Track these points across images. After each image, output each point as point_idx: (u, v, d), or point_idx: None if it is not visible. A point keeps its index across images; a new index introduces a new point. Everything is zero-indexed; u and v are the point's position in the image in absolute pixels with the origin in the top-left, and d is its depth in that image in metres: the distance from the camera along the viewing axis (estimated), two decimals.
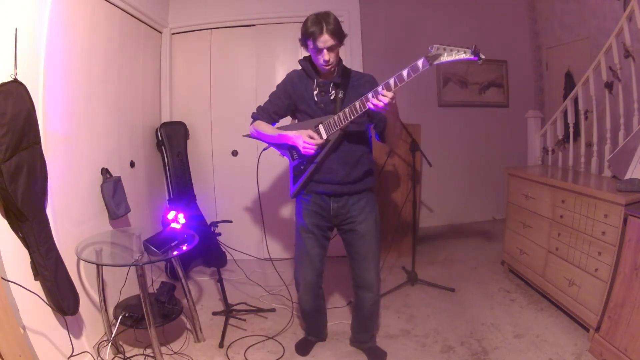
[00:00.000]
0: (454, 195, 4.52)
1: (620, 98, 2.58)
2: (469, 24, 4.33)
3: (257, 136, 2.02)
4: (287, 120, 2.09)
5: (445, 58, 1.53)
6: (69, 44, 2.10)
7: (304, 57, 1.96)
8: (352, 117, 1.75)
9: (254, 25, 3.47)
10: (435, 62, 1.55)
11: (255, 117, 2.03)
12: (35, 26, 1.82)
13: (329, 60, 1.78)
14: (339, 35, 1.77)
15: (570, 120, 2.96)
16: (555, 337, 2.24)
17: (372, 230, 1.97)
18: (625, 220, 1.95)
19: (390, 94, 1.62)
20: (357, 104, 1.71)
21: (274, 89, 2.02)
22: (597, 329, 2.08)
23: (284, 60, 3.48)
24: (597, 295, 2.11)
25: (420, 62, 1.56)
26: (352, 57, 3.42)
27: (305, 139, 1.80)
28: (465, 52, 1.51)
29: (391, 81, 1.62)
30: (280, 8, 3.42)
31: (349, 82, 1.90)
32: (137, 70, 2.99)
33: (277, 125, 2.03)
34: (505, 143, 4.45)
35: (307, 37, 1.77)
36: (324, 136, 1.84)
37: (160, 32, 3.40)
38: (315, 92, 1.89)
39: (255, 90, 3.44)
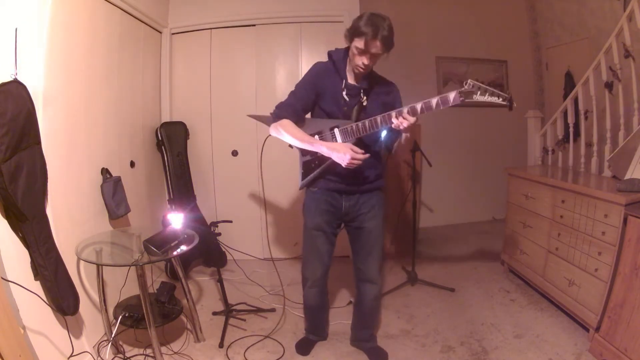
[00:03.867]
0: (454, 195, 4.52)
1: (620, 98, 2.58)
2: (469, 24, 4.33)
3: (278, 135, 1.87)
4: None
5: (478, 97, 1.49)
6: (69, 44, 2.10)
7: (337, 49, 1.88)
8: (372, 131, 1.73)
9: (254, 25, 3.47)
10: (467, 100, 1.51)
11: (279, 114, 1.85)
12: (35, 26, 1.82)
13: (368, 65, 1.74)
14: (388, 46, 1.71)
15: (570, 120, 2.96)
16: (555, 337, 2.24)
17: (379, 228, 1.99)
18: (625, 220, 1.95)
19: (413, 119, 1.62)
20: (378, 119, 1.70)
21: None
22: (597, 329, 2.09)
23: (284, 60, 3.47)
24: (597, 295, 2.11)
25: (451, 96, 1.53)
26: None
27: (353, 157, 1.70)
28: (499, 98, 1.47)
29: (418, 107, 1.61)
30: (280, 8, 3.42)
31: (373, 89, 1.86)
32: (137, 70, 2.98)
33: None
34: (505, 143, 4.45)
35: (358, 35, 1.67)
36: (339, 141, 1.81)
37: (160, 32, 3.39)
38: (344, 93, 1.83)
39: (255, 90, 3.44)
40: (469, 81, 1.50)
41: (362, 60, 1.72)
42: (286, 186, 3.37)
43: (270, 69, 3.48)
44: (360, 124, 1.74)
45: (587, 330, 2.20)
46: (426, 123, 3.69)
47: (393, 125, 1.67)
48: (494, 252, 3.49)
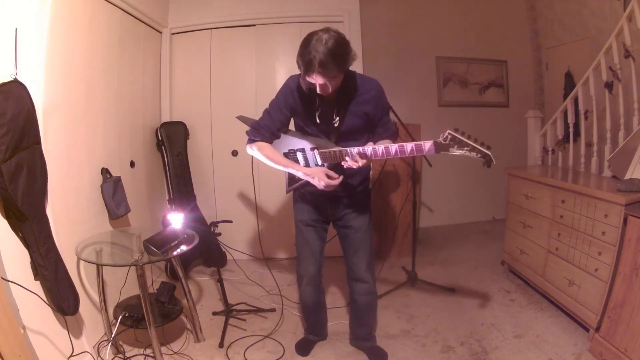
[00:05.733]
0: (454, 195, 4.52)
1: (620, 98, 2.58)
2: (469, 24, 4.33)
3: (254, 155, 1.86)
4: None
5: (455, 152, 1.37)
6: (69, 44, 2.10)
7: None
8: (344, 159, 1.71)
9: (254, 25, 3.47)
10: (442, 152, 1.40)
11: (253, 136, 1.83)
12: (35, 26, 1.82)
13: (325, 92, 1.65)
14: (332, 69, 1.54)
15: (570, 120, 2.96)
16: (555, 337, 2.24)
17: (364, 226, 2.00)
18: (625, 220, 1.95)
19: (362, 162, 1.63)
20: (344, 151, 1.69)
21: (274, 89, 1.90)
22: (597, 329, 2.09)
23: (284, 60, 3.48)
24: (597, 295, 2.11)
25: (427, 145, 1.43)
26: None
27: (326, 184, 1.72)
28: (477, 155, 1.35)
29: (368, 151, 1.59)
30: (280, 8, 3.42)
31: (353, 99, 1.76)
32: (137, 70, 2.99)
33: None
34: (505, 143, 4.43)
35: (300, 69, 1.61)
36: (319, 162, 1.82)
37: (160, 32, 3.39)
38: (318, 113, 1.78)
39: (255, 90, 3.44)
40: (446, 133, 1.37)
41: (319, 90, 1.64)
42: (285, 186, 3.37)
43: (270, 69, 3.48)
44: (332, 151, 1.73)
45: (587, 330, 2.20)
46: (426, 123, 3.69)
47: (345, 166, 1.70)
48: (494, 252, 3.49)
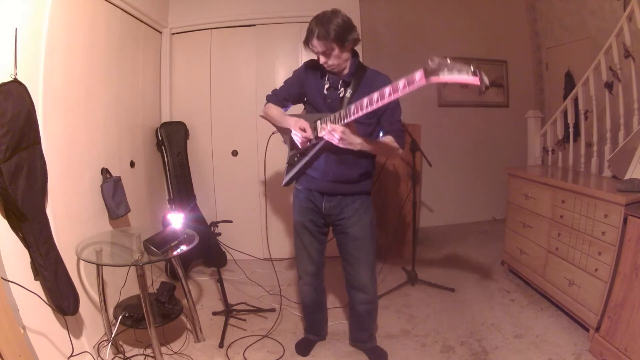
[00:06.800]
0: (454, 195, 4.52)
1: (620, 98, 2.58)
2: (469, 24, 4.33)
3: (265, 117, 2.04)
4: (299, 108, 2.07)
5: (446, 76, 1.28)
6: (69, 44, 2.10)
7: None
8: (341, 123, 1.66)
9: (254, 25, 3.47)
10: (434, 79, 1.31)
11: (268, 99, 2.03)
12: (35, 26, 1.82)
13: (326, 62, 1.76)
14: (336, 40, 1.68)
15: (570, 120, 2.96)
16: (555, 337, 2.24)
17: (366, 233, 1.94)
18: (625, 220, 1.95)
19: (328, 127, 1.65)
20: (339, 113, 1.67)
21: (275, 88, 2.02)
22: (597, 329, 2.09)
23: (284, 60, 3.48)
24: (597, 295, 2.11)
25: (417, 75, 1.37)
26: None
27: (296, 130, 1.81)
28: (468, 74, 1.24)
29: (371, 96, 1.52)
30: (280, 8, 3.42)
31: (362, 82, 1.82)
32: (137, 70, 2.99)
33: (288, 112, 2.01)
34: (505, 143, 4.44)
35: (305, 38, 1.75)
36: (320, 133, 1.80)
37: (160, 32, 3.39)
38: (326, 86, 1.86)
39: (255, 90, 3.44)
40: (433, 57, 1.28)
41: (321, 60, 1.77)
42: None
43: (270, 69, 3.48)
44: (332, 116, 1.72)
45: (587, 330, 2.20)
46: (426, 123, 3.69)
47: (325, 137, 1.71)
48: (494, 252, 3.49)
